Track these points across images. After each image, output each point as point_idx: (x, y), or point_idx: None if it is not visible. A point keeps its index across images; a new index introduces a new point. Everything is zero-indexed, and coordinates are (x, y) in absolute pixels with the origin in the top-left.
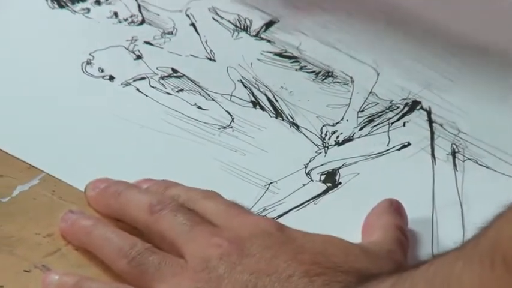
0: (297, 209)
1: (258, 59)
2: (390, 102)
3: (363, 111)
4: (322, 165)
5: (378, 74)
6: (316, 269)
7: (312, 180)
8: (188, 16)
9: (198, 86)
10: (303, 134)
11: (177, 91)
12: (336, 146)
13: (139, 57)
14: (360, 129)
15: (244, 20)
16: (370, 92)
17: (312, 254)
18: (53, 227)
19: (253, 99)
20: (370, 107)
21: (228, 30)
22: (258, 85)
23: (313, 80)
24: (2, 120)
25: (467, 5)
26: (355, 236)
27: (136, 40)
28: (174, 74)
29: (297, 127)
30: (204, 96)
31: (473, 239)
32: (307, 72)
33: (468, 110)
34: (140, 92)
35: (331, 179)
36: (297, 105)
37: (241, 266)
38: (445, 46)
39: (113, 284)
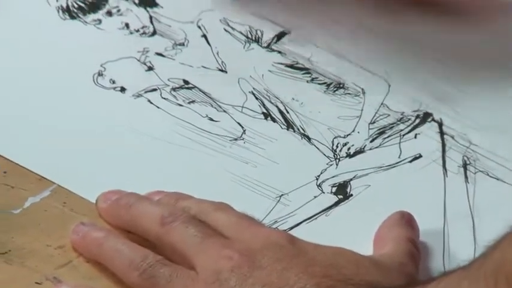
0: (308, 221)
1: (270, 71)
2: (401, 114)
3: (374, 123)
4: (333, 177)
5: (389, 86)
6: (327, 282)
7: (323, 192)
8: (199, 27)
9: (210, 97)
10: (314, 145)
11: (189, 102)
12: (347, 158)
13: (150, 68)
14: (371, 141)
15: (256, 31)
16: (382, 104)
17: (323, 267)
18: (64, 238)
19: (265, 111)
20: (381, 119)
21: (239, 41)
22: (269, 97)
23: (325, 91)
24: (14, 131)
25: (480, 17)
26: (366, 248)
27: (147, 51)
28: (186, 86)
29: (308, 139)
30: (215, 107)
31: (478, 259)
32: (319, 84)
33: (479, 122)
34: (152, 103)
35: (342, 191)
36: (308, 117)
37: (253, 278)
38: (456, 57)
39: None
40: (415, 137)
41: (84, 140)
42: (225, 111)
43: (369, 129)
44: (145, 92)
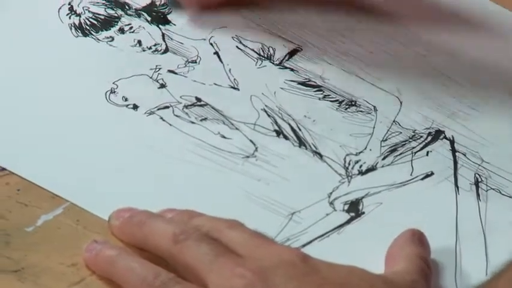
0: (321, 238)
1: (282, 88)
2: (413, 132)
3: (386, 140)
4: (345, 194)
5: (401, 103)
6: None
7: (336, 210)
8: (212, 45)
9: (222, 114)
10: (326, 163)
11: (201, 120)
12: (359, 176)
13: (163, 85)
14: (383, 159)
15: (268, 48)
16: (394, 121)
17: (335, 286)
18: (77, 256)
19: (277, 128)
20: (393, 136)
21: (251, 58)
22: (281, 114)
23: (337, 109)
24: (26, 150)
25: (493, 35)
26: (378, 266)
27: (160, 69)
28: (198, 103)
29: (320, 156)
30: (227, 125)
31: None
32: (331, 101)
33: (491, 140)
34: (164, 120)
35: (354, 208)
36: (320, 134)
37: None
38: (467, 75)
39: None
40: (427, 155)
41: (96, 158)
42: (237, 128)
43: (381, 146)
44: (158, 109)
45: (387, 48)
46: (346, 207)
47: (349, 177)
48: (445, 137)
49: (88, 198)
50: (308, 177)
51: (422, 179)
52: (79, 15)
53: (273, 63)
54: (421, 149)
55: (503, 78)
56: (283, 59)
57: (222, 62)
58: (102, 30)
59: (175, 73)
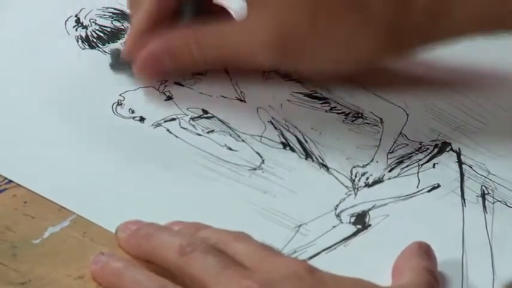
0: (327, 251)
1: (288, 100)
2: (420, 144)
3: (392, 152)
4: (352, 207)
5: (408, 115)
6: None
7: (342, 222)
8: None
9: (228, 127)
10: (333, 175)
11: (208, 132)
12: (365, 188)
13: (169, 98)
14: (390, 171)
15: None
16: (400, 133)
17: None
18: (84, 269)
19: (283, 140)
20: (399, 148)
21: (258, 71)
22: (288, 126)
23: (343, 121)
24: (33, 162)
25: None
26: (385, 279)
27: (166, 81)
28: (205, 115)
29: (327, 168)
30: (234, 137)
31: None
32: (337, 113)
33: (498, 152)
34: (171, 132)
35: (361, 220)
36: (327, 146)
37: None
38: (473, 87)
39: None
40: (434, 167)
41: (103, 170)
42: (243, 140)
43: (388, 158)
44: (165, 121)
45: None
46: (352, 219)
47: (356, 190)
48: (451, 149)
49: (95, 210)
50: (315, 189)
51: (428, 191)
52: (86, 27)
53: (280, 76)
54: (428, 161)
55: (511, 90)
56: None
57: (228, 75)
58: (108, 43)
59: (182, 85)
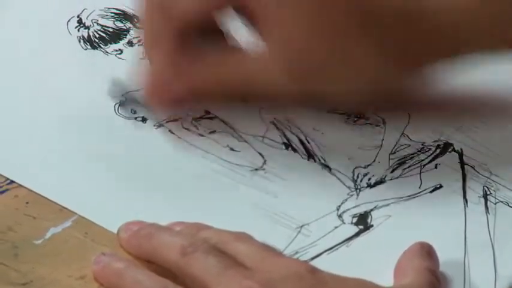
0: (329, 251)
1: None
2: (422, 144)
3: (394, 153)
4: (354, 207)
5: (410, 116)
6: None
7: (344, 223)
8: None
9: (230, 127)
10: (335, 176)
11: (210, 132)
12: (367, 188)
13: None
14: (392, 172)
15: None
16: (402, 134)
17: None
18: (85, 269)
19: (286, 141)
20: (401, 149)
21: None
22: (290, 127)
23: (345, 121)
24: (35, 162)
25: None
26: (387, 279)
27: None
28: (207, 116)
29: (329, 169)
30: (236, 137)
31: None
32: (339, 114)
33: (500, 152)
34: (173, 133)
35: (363, 221)
36: (329, 147)
37: None
38: (475, 86)
39: None
40: (436, 167)
41: (105, 171)
42: (245, 141)
43: (390, 159)
44: (167, 122)
45: None
46: (354, 220)
47: (358, 190)
48: (453, 150)
49: (97, 211)
50: (317, 190)
51: (431, 191)
52: (88, 28)
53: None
54: (430, 161)
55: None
56: None
57: None
58: (111, 43)
59: None
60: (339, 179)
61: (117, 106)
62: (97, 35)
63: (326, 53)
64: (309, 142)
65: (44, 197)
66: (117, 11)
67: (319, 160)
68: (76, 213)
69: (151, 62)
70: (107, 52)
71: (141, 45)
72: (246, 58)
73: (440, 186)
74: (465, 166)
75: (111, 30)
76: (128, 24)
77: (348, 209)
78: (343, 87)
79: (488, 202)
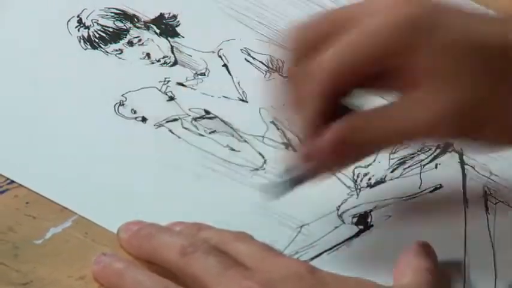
0: (329, 251)
1: None
2: (422, 144)
3: (395, 153)
4: (354, 207)
5: None
6: None
7: (344, 223)
8: (220, 57)
9: (231, 127)
10: (335, 176)
11: (210, 132)
12: (368, 188)
13: (171, 98)
14: (392, 172)
15: (277, 61)
16: None
17: None
18: (85, 269)
19: (286, 141)
20: (402, 149)
21: (260, 71)
22: (290, 127)
23: None
24: (35, 162)
25: None
26: (387, 279)
27: (168, 81)
28: (207, 115)
29: None
30: (236, 137)
31: None
32: None
33: (500, 152)
34: (173, 133)
35: (363, 221)
36: None
37: None
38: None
39: None
40: (436, 167)
41: (105, 171)
42: (245, 141)
43: (390, 159)
44: (167, 121)
45: None
46: (354, 220)
47: (358, 190)
48: (453, 150)
49: (97, 211)
50: (317, 190)
51: (431, 191)
52: (88, 27)
53: (282, 76)
54: (430, 161)
55: None
56: None
57: (230, 75)
58: (111, 43)
59: (184, 85)
60: (339, 179)
61: (117, 106)
62: (97, 35)
63: (492, 100)
64: None
65: (44, 197)
66: (117, 11)
67: None
68: (76, 213)
69: (298, 120)
70: (107, 52)
71: (140, 45)
72: (393, 106)
73: (441, 186)
74: (465, 166)
75: (111, 30)
76: (128, 24)
77: (348, 209)
78: (503, 135)
79: (489, 202)
